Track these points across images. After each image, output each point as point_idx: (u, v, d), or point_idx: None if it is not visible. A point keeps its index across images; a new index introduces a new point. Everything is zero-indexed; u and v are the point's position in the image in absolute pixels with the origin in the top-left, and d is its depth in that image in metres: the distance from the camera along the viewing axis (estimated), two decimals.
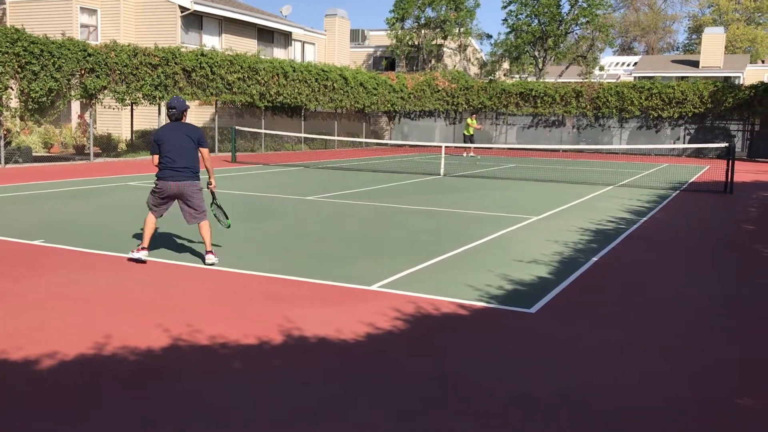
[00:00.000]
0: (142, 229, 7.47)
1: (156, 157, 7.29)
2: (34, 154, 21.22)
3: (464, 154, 28.22)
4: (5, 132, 18.76)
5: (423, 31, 42.55)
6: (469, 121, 29.03)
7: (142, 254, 7.22)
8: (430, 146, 32.38)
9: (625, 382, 4.34)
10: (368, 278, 6.70)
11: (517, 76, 42.46)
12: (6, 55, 17.85)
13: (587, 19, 40.74)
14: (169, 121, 7.39)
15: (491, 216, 11.29)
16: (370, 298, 6.08)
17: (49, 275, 6.66)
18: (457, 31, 42.47)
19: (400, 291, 6.27)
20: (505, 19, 41.81)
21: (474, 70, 46.59)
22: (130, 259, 7.27)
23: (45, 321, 5.22)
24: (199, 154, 7.48)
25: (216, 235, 8.94)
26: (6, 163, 18.57)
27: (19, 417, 3.63)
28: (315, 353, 4.69)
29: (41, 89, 18.86)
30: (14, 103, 19.07)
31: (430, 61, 43.49)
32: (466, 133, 28.77)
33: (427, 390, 4.12)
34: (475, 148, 28.91)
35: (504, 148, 33.65)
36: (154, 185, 7.34)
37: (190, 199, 7.35)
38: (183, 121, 7.41)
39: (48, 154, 23.01)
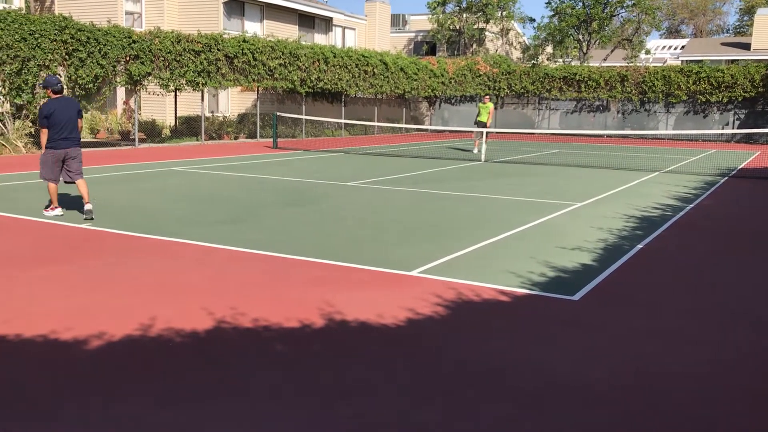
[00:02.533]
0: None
1: (46, 130, 8.64)
2: (81, 139, 21.68)
3: (475, 149, 21.54)
4: None
5: (464, 15, 42.17)
6: (482, 105, 21.90)
7: (58, 211, 8.91)
8: (471, 132, 32.14)
9: (669, 371, 4.26)
10: (408, 263, 6.70)
11: (561, 60, 41.84)
12: (54, 43, 18.25)
13: (633, 1, 39.84)
14: (54, 95, 8.70)
15: (533, 202, 11.16)
16: (410, 283, 6.07)
17: (96, 258, 6.81)
18: (499, 14, 41.99)
19: (441, 277, 6.25)
20: (549, 2, 41.20)
21: (516, 54, 46.05)
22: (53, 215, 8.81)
23: (92, 303, 5.34)
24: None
25: (256, 218, 9.03)
26: None
27: (71, 395, 3.73)
28: (356, 337, 4.70)
29: (88, 76, 19.25)
30: None
31: (472, 46, 43.10)
32: (482, 120, 21.44)
33: (467, 375, 4.10)
34: (480, 136, 20.94)
35: (547, 134, 33.21)
36: (47, 154, 8.74)
37: (73, 161, 8.91)
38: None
39: (94, 140, 23.51)
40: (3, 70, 17.19)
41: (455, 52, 43.64)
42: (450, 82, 36.32)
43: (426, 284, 6.01)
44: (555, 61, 41.66)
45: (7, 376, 3.95)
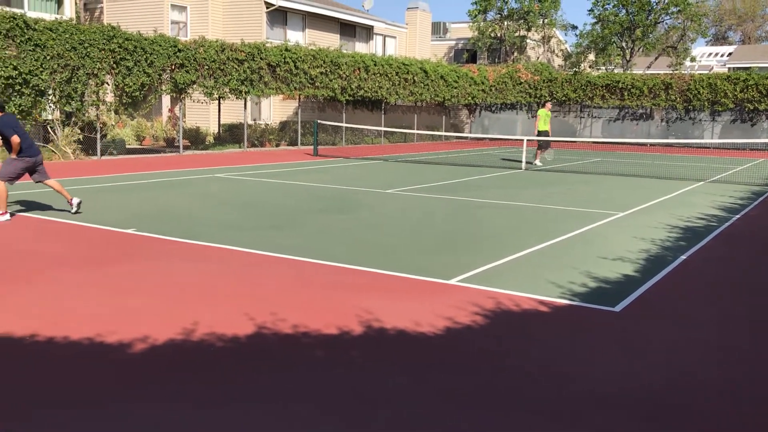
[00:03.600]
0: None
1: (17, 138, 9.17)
2: (127, 146, 22.20)
3: (537, 161, 20.46)
4: (101, 125, 19.70)
5: (506, 23, 41.94)
6: (542, 112, 20.58)
7: (7, 216, 9.22)
8: (512, 139, 31.96)
9: (711, 383, 4.18)
10: (447, 272, 6.69)
11: (603, 67, 41.30)
12: (103, 52, 18.73)
13: (679, 8, 39.15)
14: (1, 113, 9.18)
15: (574, 211, 11.05)
16: (448, 291, 6.07)
17: (140, 263, 6.96)
18: (540, 22, 41.65)
19: (480, 286, 6.23)
20: (591, 10, 40.75)
21: (558, 61, 45.62)
22: None
23: (136, 307, 5.46)
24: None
25: (296, 224, 9.12)
26: (102, 155, 19.51)
27: (115, 396, 3.82)
28: (393, 345, 4.72)
29: (134, 84, 19.69)
30: (110, 97, 19.99)
31: (513, 53, 42.86)
32: (542, 129, 20.38)
33: (504, 385, 4.08)
34: (545, 146, 20.77)
35: (588, 142, 32.83)
36: (22, 162, 9.27)
37: (42, 164, 9.65)
38: None
39: (140, 147, 24.02)
40: (54, 78, 17.69)
41: (496, 59, 43.45)
42: (491, 90, 36.17)
43: (465, 293, 6.00)
44: (597, 69, 41.14)
45: (53, 376, 4.07)
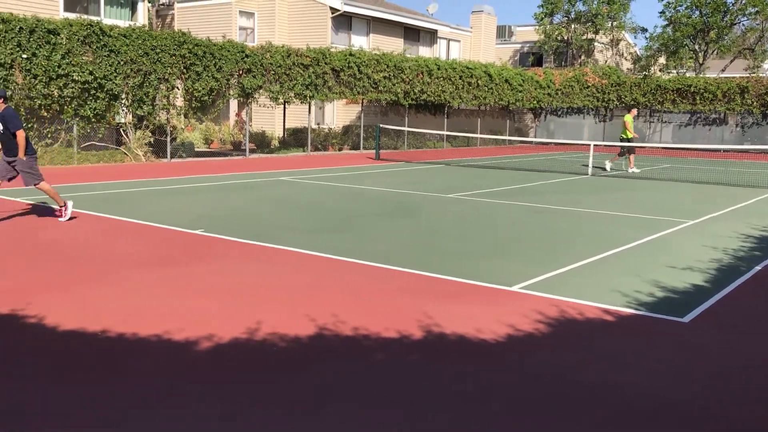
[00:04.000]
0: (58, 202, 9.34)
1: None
2: (196, 149, 22.79)
3: (608, 165, 20.07)
4: (172, 128, 20.30)
5: (573, 26, 41.22)
6: (629, 118, 19.93)
7: (71, 204, 9.31)
8: (578, 144, 31.39)
9: None
10: (509, 278, 6.61)
11: (674, 71, 40.12)
12: (174, 57, 19.30)
13: (757, 8, 37.67)
14: (4, 105, 8.76)
15: (642, 218, 10.75)
16: (510, 298, 5.99)
17: (208, 263, 7.12)
18: (609, 25, 40.77)
19: (543, 293, 6.13)
20: (663, 12, 39.64)
21: (627, 65, 44.57)
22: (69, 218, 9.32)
23: (203, 306, 5.59)
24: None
25: (357, 228, 9.17)
26: (171, 157, 20.08)
27: (180, 393, 3.92)
28: (453, 350, 4.69)
29: (203, 89, 20.22)
30: (180, 101, 20.58)
31: (580, 57, 42.09)
32: (624, 136, 19.86)
33: (566, 396, 4.00)
34: (629, 152, 19.88)
35: (658, 147, 31.94)
36: (33, 159, 9.07)
37: None
38: None
39: (208, 150, 24.63)
40: (127, 83, 18.33)
41: (562, 63, 42.77)
42: (557, 94, 35.63)
43: (527, 300, 5.92)
44: (668, 72, 39.98)
45: (123, 372, 4.21)
